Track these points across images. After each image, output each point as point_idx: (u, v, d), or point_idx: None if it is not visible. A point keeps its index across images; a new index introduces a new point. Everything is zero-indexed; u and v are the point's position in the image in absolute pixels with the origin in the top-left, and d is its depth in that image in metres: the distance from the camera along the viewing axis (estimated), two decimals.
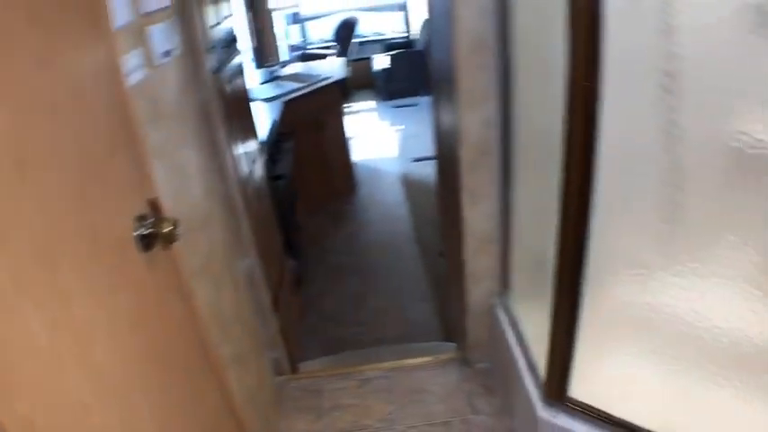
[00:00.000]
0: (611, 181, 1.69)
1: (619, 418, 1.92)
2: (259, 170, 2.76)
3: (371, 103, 8.02)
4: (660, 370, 1.85)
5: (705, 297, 1.72)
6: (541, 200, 1.93)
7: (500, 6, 2.02)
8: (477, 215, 2.39)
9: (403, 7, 8.82)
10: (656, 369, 1.87)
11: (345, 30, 7.71)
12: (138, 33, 1.51)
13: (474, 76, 2.14)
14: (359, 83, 8.32)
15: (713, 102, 1.54)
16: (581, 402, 1.99)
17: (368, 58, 8.37)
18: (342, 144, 5.01)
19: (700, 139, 1.60)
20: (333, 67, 5.30)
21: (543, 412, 2.04)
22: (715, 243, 1.66)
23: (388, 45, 8.53)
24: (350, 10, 8.32)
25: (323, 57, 6.20)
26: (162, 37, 1.66)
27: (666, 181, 1.68)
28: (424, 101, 7.74)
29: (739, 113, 1.50)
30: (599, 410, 1.95)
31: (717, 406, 1.78)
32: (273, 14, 5.06)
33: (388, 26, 8.88)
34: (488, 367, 2.75)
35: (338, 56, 6.87)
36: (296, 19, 7.97)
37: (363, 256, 4.21)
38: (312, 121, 4.53)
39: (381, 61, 8.05)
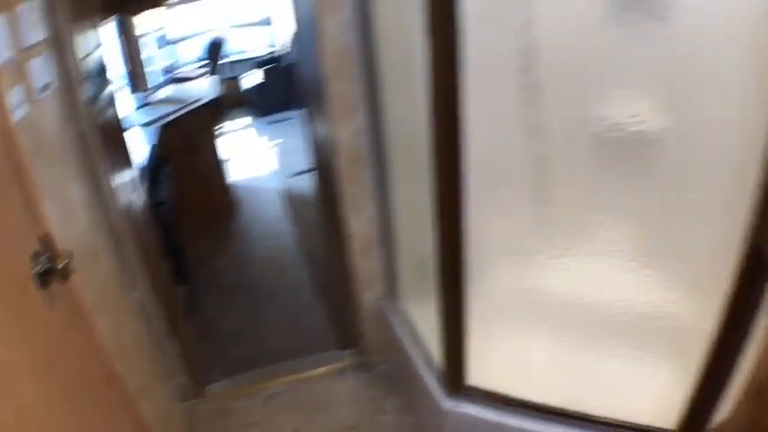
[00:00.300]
0: (482, 176, 1.77)
1: (518, 398, 2.04)
2: (141, 198, 2.75)
3: (246, 121, 7.98)
4: (552, 347, 2.01)
5: (585, 274, 1.86)
6: (419, 201, 2.01)
7: (363, 19, 2.10)
8: (360, 222, 2.47)
9: (269, 22, 8.82)
10: (547, 347, 2.02)
11: (214, 49, 7.63)
12: (18, 69, 1.51)
13: (343, 88, 2.21)
14: (232, 101, 8.26)
15: (573, 91, 1.67)
16: (480, 388, 2.10)
17: (239, 76, 8.33)
18: (219, 164, 4.99)
19: (563, 127, 1.73)
20: (205, 88, 5.27)
21: (446, 403, 2.14)
22: (587, 223, 1.80)
23: (257, 62, 8.50)
24: (217, 29, 8.26)
25: (194, 78, 6.15)
26: (40, 71, 1.66)
27: (535, 170, 1.81)
28: (298, 114, 7.78)
29: (598, 100, 1.64)
30: (498, 394, 2.07)
31: (610, 373, 1.94)
32: (143, 38, 5.01)
33: (256, 42, 8.86)
34: (388, 369, 2.83)
35: (208, 76, 6.83)
36: (165, 42, 7.86)
37: (252, 274, 4.21)
38: (188, 143, 4.50)
39: (253, 78, 8.02)
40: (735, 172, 1.51)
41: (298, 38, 2.69)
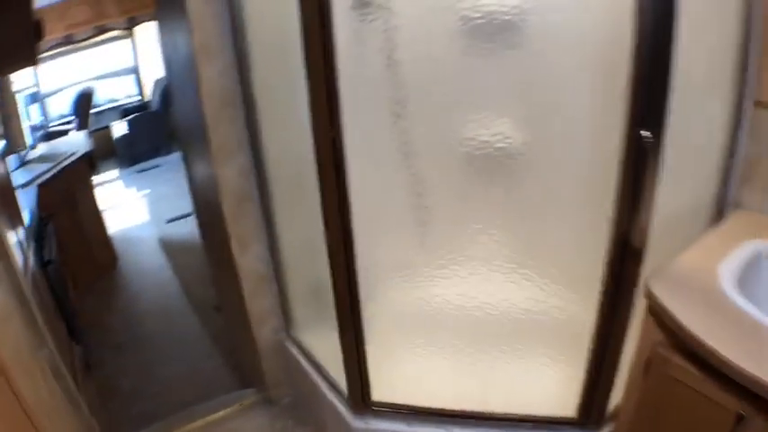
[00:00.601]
0: (366, 203, 1.87)
1: (424, 407, 2.15)
2: (32, 258, 2.71)
3: (115, 172, 7.87)
4: (450, 353, 2.13)
5: (470, 281, 2.00)
6: (308, 232, 2.10)
7: (240, 63, 2.17)
8: (249, 259, 2.50)
9: (134, 70, 8.75)
10: (446, 354, 2.14)
11: (83, 101, 7.52)
12: None
13: (225, 130, 2.26)
14: (104, 153, 8.12)
15: (443, 116, 1.82)
16: (387, 403, 2.20)
17: (108, 127, 8.20)
18: (97, 218, 4.92)
19: (437, 149, 1.87)
20: (76, 142, 5.18)
21: (355, 422, 2.22)
22: (466, 233, 1.93)
23: (124, 111, 8.43)
24: (84, 81, 8.13)
25: (65, 133, 6.06)
26: None
27: (415, 192, 1.93)
28: (166, 161, 7.73)
29: (465, 122, 1.77)
30: (405, 405, 2.18)
31: (508, 371, 2.08)
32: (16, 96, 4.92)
33: (122, 91, 8.77)
34: (294, 399, 2.87)
35: (79, 129, 6.72)
36: (35, 98, 7.69)
37: (141, 327, 4.16)
38: (67, 199, 4.43)
39: (120, 128, 7.93)
40: (593, 173, 1.70)
41: (171, 84, 2.72)
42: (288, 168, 2.19)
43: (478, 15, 1.63)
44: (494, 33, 1.65)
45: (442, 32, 1.69)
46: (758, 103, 1.85)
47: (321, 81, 1.66)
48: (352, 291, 1.98)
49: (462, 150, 1.79)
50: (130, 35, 8.47)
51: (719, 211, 2.04)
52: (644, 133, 1.50)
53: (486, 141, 1.77)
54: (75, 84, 8.08)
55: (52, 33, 6.35)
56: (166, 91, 7.69)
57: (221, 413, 2.90)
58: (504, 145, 1.77)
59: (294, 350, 2.64)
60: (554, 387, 2.06)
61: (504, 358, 2.08)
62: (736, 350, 1.39)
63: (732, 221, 1.95)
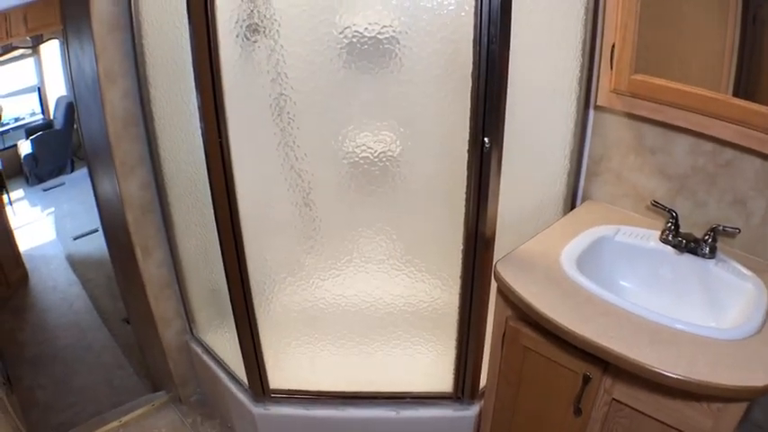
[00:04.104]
0: (255, 209, 2.06)
1: (317, 391, 2.37)
2: None
3: (21, 192, 7.77)
4: (342, 342, 2.32)
5: (350, 276, 2.19)
6: (203, 238, 2.28)
7: (141, 86, 2.29)
8: (152, 266, 2.60)
9: (36, 89, 8.64)
10: (339, 342, 2.33)
11: None
12: None
13: (127, 147, 2.35)
14: (11, 172, 8.00)
15: (325, 130, 1.99)
16: (284, 390, 2.39)
17: (14, 146, 8.09)
18: (8, 236, 4.93)
19: (323, 161, 2.04)
20: None
21: (256, 409, 2.39)
22: (355, 238, 2.13)
23: (29, 129, 8.30)
24: None
25: None
26: None
27: (303, 200, 2.11)
28: (70, 178, 7.68)
29: (342, 134, 1.98)
30: (301, 391, 2.38)
31: (394, 356, 2.31)
32: None
33: (26, 109, 8.64)
34: (201, 397, 3.02)
35: None
36: None
37: (55, 341, 4.23)
38: None
39: (25, 146, 7.83)
40: (450, 175, 1.94)
41: (78, 104, 2.79)
42: (184, 179, 2.31)
43: (354, 38, 1.81)
44: (367, 54, 1.84)
45: (322, 53, 1.84)
46: (598, 107, 2.13)
47: (210, 98, 1.82)
48: (245, 291, 2.15)
49: (342, 158, 1.97)
50: (36, 53, 8.38)
51: (572, 202, 2.33)
52: (485, 140, 1.76)
53: (369, 149, 1.98)
54: None
55: None
56: (70, 109, 7.66)
57: (132, 415, 2.99)
58: (383, 152, 1.98)
59: (198, 349, 2.77)
60: (431, 366, 2.30)
61: (384, 342, 2.30)
62: (574, 319, 1.63)
63: (580, 211, 2.24)
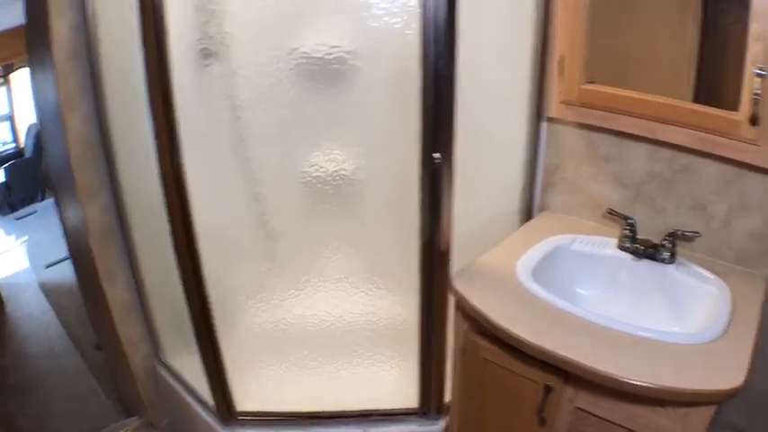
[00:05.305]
0: (213, 232, 2.06)
1: (284, 412, 2.34)
2: None
3: None
4: (307, 362, 2.33)
5: (311, 296, 2.20)
6: (164, 261, 2.23)
7: (99, 112, 2.31)
8: (117, 290, 2.60)
9: (8, 117, 8.61)
10: (303, 363, 2.34)
11: None
12: None
13: (88, 172, 2.37)
14: None
15: (278, 150, 2.02)
16: (251, 412, 2.37)
17: None
18: None
19: (277, 182, 2.06)
20: None
21: None
22: (312, 257, 2.14)
23: (1, 158, 8.28)
24: None
25: None
26: None
27: (259, 221, 2.13)
28: (42, 206, 7.64)
29: (296, 154, 2.00)
30: (267, 412, 2.36)
31: (359, 374, 2.32)
32: None
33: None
34: (171, 421, 2.96)
35: None
36: None
37: (34, 368, 4.18)
38: None
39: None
40: (404, 190, 1.95)
41: (43, 131, 2.80)
42: (143, 204, 2.32)
43: (303, 60, 1.86)
44: (317, 75, 1.88)
45: (273, 75, 1.89)
46: (551, 119, 2.16)
47: (163, 122, 1.84)
48: (205, 314, 2.15)
49: (295, 179, 2.01)
50: (6, 82, 8.35)
51: (529, 213, 2.35)
52: (435, 155, 1.78)
53: (316, 170, 2.00)
54: None
55: None
56: (39, 137, 7.64)
57: None
58: (337, 170, 2.01)
59: (166, 373, 2.76)
60: (395, 382, 2.31)
61: (348, 361, 2.31)
62: (530, 329, 1.63)
63: (537, 221, 2.26)
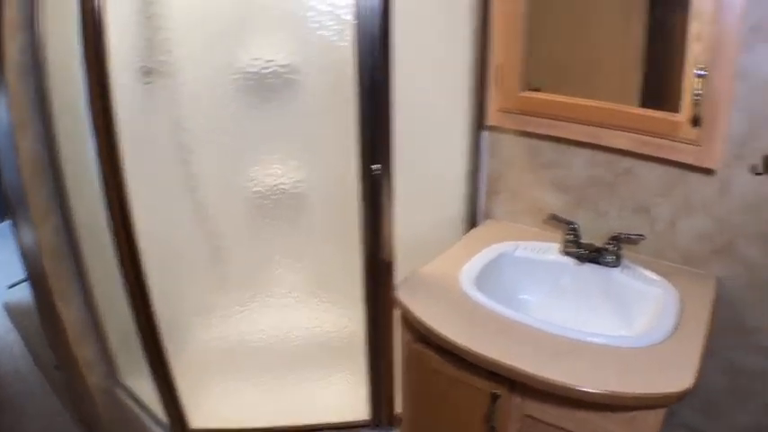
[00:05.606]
0: (159, 251, 2.07)
1: (238, 428, 2.33)
2: None
3: None
4: (258, 379, 2.33)
5: (265, 315, 2.20)
6: (114, 282, 2.24)
7: (48, 133, 2.31)
8: (71, 311, 2.60)
9: None
10: (255, 380, 2.34)
11: None
12: None
13: (40, 193, 2.37)
14: None
15: (218, 166, 2.02)
16: (205, 429, 2.35)
17: None
18: None
19: (218, 198, 2.07)
20: None
21: None
22: (256, 273, 2.15)
23: None
24: None
25: None
26: None
27: (206, 238, 2.13)
28: (3, 227, 7.56)
29: (242, 168, 2.01)
30: (220, 429, 2.35)
31: (310, 388, 2.32)
32: None
33: None
34: None
35: None
36: None
37: (7, 389, 4.11)
38: None
39: None
40: (346, 203, 1.96)
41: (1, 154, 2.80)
42: (92, 223, 2.30)
43: (239, 75, 1.87)
44: (253, 89, 1.90)
45: (212, 90, 1.91)
46: (491, 128, 2.18)
47: (105, 139, 1.85)
48: (153, 333, 2.14)
49: (235, 194, 2.02)
50: None
51: (473, 222, 2.36)
52: (374, 166, 1.80)
53: (255, 185, 2.01)
54: None
55: None
56: None
57: None
58: (278, 183, 2.02)
59: (122, 394, 2.74)
60: (346, 395, 2.31)
61: (298, 375, 2.31)
62: (473, 338, 1.62)
63: (481, 230, 2.28)
